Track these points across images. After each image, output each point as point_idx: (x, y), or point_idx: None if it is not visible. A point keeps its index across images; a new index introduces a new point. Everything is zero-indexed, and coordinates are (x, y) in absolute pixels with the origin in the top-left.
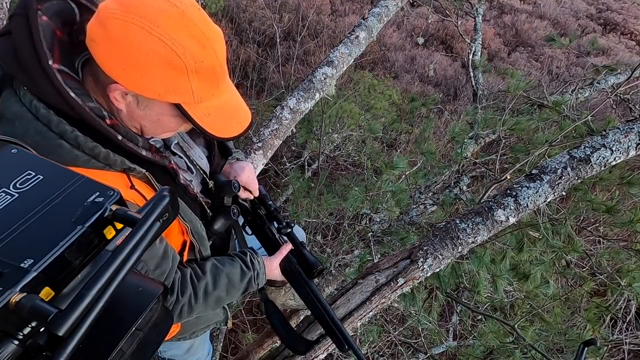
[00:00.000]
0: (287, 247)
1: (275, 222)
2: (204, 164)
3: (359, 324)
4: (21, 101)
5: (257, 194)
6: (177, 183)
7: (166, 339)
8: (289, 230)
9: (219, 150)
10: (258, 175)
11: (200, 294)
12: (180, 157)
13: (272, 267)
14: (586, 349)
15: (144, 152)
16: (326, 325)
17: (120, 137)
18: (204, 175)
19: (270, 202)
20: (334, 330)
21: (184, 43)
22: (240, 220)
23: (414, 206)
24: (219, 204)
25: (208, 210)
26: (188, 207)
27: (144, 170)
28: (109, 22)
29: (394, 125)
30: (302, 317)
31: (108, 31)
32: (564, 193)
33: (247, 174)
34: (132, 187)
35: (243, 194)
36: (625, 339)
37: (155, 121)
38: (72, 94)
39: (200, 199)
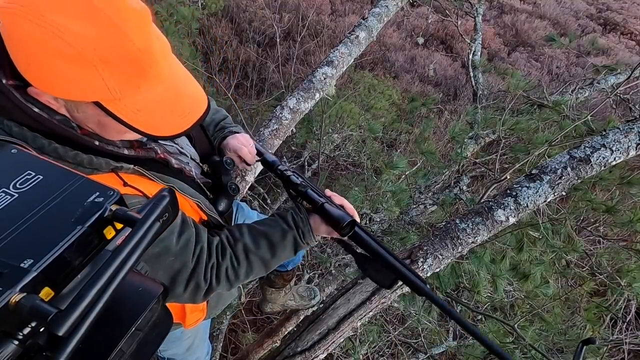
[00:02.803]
0: (332, 232)
1: (290, 187)
2: (192, 151)
3: (359, 323)
4: None
5: (250, 160)
6: (171, 168)
7: (192, 325)
8: (305, 190)
9: (205, 135)
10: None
11: (241, 255)
12: (170, 145)
13: (320, 227)
14: (585, 347)
15: (126, 152)
16: (396, 271)
17: (97, 143)
18: (196, 160)
19: (281, 167)
20: (405, 275)
21: (75, 29)
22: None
23: (414, 206)
24: (217, 184)
25: (208, 192)
26: (190, 187)
27: (132, 166)
28: (1, 17)
29: (394, 125)
30: (302, 317)
31: (4, 28)
32: (564, 193)
33: (235, 141)
34: (126, 184)
35: (240, 165)
36: (625, 339)
37: (98, 123)
38: (36, 110)
39: (198, 180)
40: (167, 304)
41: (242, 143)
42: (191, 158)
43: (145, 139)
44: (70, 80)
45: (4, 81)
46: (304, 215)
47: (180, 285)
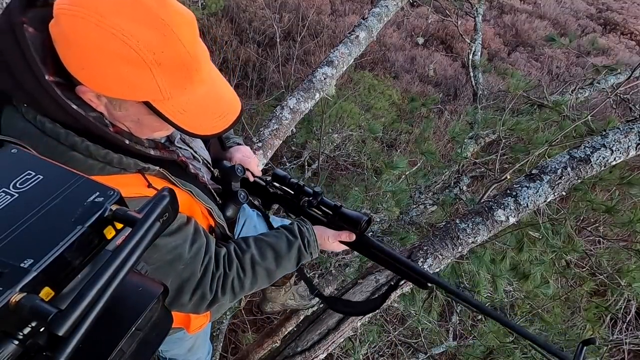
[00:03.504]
0: (341, 234)
1: (304, 197)
2: (206, 154)
3: (359, 324)
4: (25, 118)
5: (258, 173)
6: (188, 173)
7: (196, 330)
8: (319, 199)
9: (219, 140)
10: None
11: (248, 267)
12: (185, 149)
13: (325, 236)
14: (585, 348)
15: (152, 152)
16: (400, 272)
17: (127, 142)
18: (208, 164)
19: (291, 180)
20: (409, 273)
21: (136, 33)
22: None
23: (414, 206)
24: (227, 190)
25: (217, 198)
26: (203, 193)
27: (157, 168)
28: (60, 19)
29: (394, 125)
30: (302, 317)
31: (61, 29)
32: (564, 193)
33: (241, 154)
34: (150, 185)
35: (250, 177)
36: (625, 339)
37: (136, 121)
38: (74, 106)
39: (209, 186)
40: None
41: (247, 156)
42: (203, 162)
43: (166, 141)
44: (125, 81)
45: (46, 77)
46: (310, 226)
47: (186, 295)
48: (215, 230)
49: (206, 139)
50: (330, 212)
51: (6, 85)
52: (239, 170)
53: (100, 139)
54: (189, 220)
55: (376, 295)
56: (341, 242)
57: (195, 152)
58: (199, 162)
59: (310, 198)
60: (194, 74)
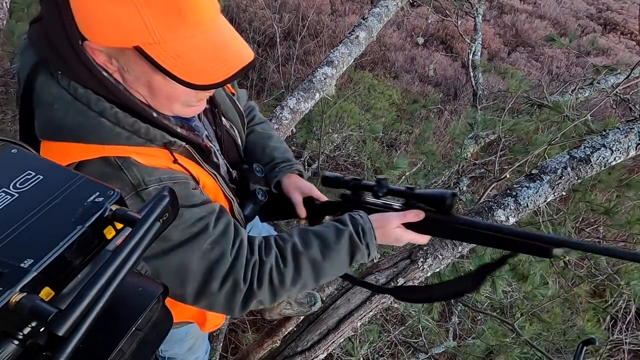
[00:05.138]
0: (406, 214)
1: (365, 192)
2: (223, 162)
3: (359, 323)
4: (59, 84)
5: (321, 197)
6: (211, 161)
7: (209, 329)
8: (385, 189)
9: (234, 144)
10: None
11: (289, 255)
12: (211, 145)
13: (384, 221)
14: (585, 348)
15: (178, 129)
16: (507, 244)
17: (155, 115)
18: (227, 165)
19: (345, 178)
20: (524, 242)
21: None
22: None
23: None
24: (244, 190)
25: (235, 197)
26: (226, 185)
27: (183, 144)
28: None
29: (394, 125)
30: (302, 318)
31: None
32: (564, 193)
33: (305, 185)
34: (175, 161)
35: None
36: (625, 339)
37: (148, 86)
38: (104, 74)
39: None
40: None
41: (310, 188)
42: (224, 161)
43: (194, 123)
44: (111, 20)
45: (80, 42)
46: (363, 214)
47: (216, 281)
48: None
49: (214, 88)
50: (404, 199)
51: (45, 52)
52: (257, 170)
53: (129, 109)
54: (213, 201)
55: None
56: (410, 227)
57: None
58: (221, 156)
59: (375, 188)
60: (188, 14)
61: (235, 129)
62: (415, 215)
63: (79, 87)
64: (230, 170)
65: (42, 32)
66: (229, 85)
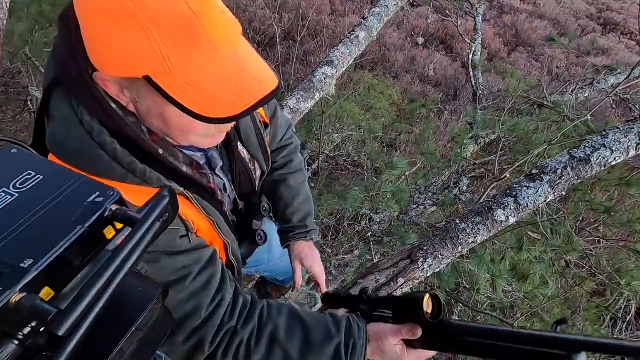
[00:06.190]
0: (401, 329)
1: (359, 304)
2: (233, 195)
3: None
4: (71, 104)
5: (323, 289)
6: (215, 200)
7: None
8: (372, 302)
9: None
10: None
11: (265, 337)
12: (221, 178)
13: (381, 335)
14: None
15: (184, 168)
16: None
17: (161, 151)
18: (236, 196)
19: (341, 295)
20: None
21: None
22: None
23: (414, 206)
24: (246, 227)
25: (235, 234)
26: (225, 225)
27: (181, 189)
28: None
29: (394, 125)
30: None
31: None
32: (564, 193)
33: (317, 263)
34: None
35: (296, 276)
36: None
37: (161, 117)
38: (113, 105)
39: (230, 218)
40: None
41: (321, 270)
42: (234, 191)
43: (210, 153)
44: (121, 48)
45: (90, 71)
46: (363, 325)
47: (182, 334)
48: (228, 266)
49: (228, 122)
50: (388, 308)
51: (59, 71)
52: (264, 209)
53: (133, 144)
54: (208, 246)
55: None
56: (409, 344)
57: (224, 186)
58: (226, 192)
59: (363, 307)
60: (200, 39)
61: (254, 161)
62: (411, 330)
63: (86, 113)
64: (238, 201)
65: (59, 52)
66: (262, 112)
